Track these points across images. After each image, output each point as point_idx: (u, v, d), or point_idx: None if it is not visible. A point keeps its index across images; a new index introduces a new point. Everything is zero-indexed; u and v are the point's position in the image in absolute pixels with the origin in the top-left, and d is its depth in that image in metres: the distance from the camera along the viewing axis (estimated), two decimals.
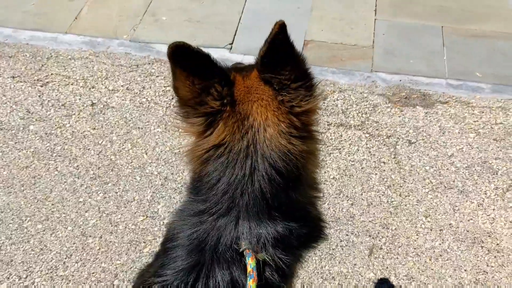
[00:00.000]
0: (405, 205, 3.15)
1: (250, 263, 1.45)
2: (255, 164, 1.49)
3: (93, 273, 2.84)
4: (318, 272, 2.85)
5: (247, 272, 1.45)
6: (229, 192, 1.51)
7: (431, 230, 3.03)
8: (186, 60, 1.43)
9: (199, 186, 1.57)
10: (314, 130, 1.60)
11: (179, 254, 1.53)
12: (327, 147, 3.51)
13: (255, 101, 1.52)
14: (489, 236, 3.00)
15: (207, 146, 1.54)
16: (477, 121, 3.68)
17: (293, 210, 1.52)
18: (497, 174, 3.33)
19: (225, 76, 1.52)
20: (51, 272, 2.83)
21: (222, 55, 4.18)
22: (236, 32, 4.41)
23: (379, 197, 3.21)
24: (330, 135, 3.59)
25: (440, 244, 2.97)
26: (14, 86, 3.89)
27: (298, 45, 4.34)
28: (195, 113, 1.51)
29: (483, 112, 3.74)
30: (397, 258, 2.91)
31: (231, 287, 1.47)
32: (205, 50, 4.57)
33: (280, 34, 1.40)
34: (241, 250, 1.47)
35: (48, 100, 3.79)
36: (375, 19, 4.56)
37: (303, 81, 1.52)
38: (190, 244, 1.54)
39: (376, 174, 3.33)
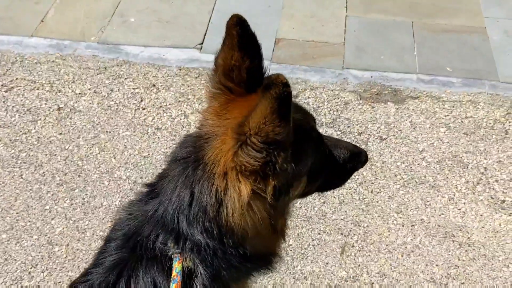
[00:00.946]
0: (377, 202, 3.14)
1: (176, 267, 1.41)
2: (193, 161, 1.43)
3: (59, 282, 2.77)
4: (290, 272, 2.82)
5: (172, 276, 1.40)
6: (166, 174, 1.50)
7: (402, 226, 3.02)
8: (239, 35, 1.45)
9: None
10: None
11: (109, 249, 1.51)
12: None
13: (241, 115, 1.40)
14: (460, 230, 3.00)
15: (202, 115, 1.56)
16: (448, 115, 3.68)
17: (226, 234, 1.43)
18: (467, 167, 3.33)
19: (259, 74, 1.51)
20: (16, 282, 2.75)
21: (192, 55, 4.13)
22: (206, 32, 4.35)
23: (351, 194, 3.19)
24: None
25: (411, 239, 2.96)
26: None
27: (269, 44, 4.32)
28: (218, 85, 1.51)
29: (453, 107, 3.75)
30: (369, 255, 2.89)
31: None
32: (174, 50, 4.44)
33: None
34: (170, 253, 1.42)
35: (13, 106, 3.69)
36: (346, 16, 4.55)
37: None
38: (120, 237, 1.51)
39: None
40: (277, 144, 1.28)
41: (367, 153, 1.80)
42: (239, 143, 1.30)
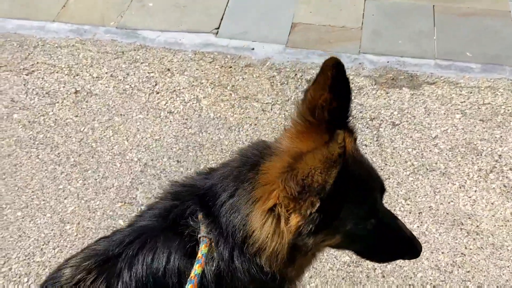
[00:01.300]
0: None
1: (202, 249, 1.47)
2: (252, 164, 1.53)
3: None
4: None
5: (197, 256, 1.47)
6: (227, 163, 1.64)
7: (410, 212, 2.99)
8: (333, 77, 1.50)
9: None
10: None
11: (145, 215, 1.62)
12: None
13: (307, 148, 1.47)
14: (469, 218, 2.95)
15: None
16: (464, 101, 3.59)
17: (247, 237, 1.49)
18: (481, 155, 3.25)
19: (344, 116, 1.57)
20: (28, 258, 2.86)
21: (207, 40, 4.16)
22: (222, 17, 4.36)
23: None
24: None
25: (418, 226, 2.92)
26: (0, 75, 3.91)
27: (285, 29, 4.30)
28: (301, 116, 1.58)
29: (471, 93, 3.65)
30: None
31: (164, 264, 1.50)
32: (190, 35, 4.48)
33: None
34: (198, 236, 1.50)
35: (33, 89, 3.81)
36: (364, 0, 4.47)
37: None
38: (161, 207, 1.60)
39: None
40: (311, 189, 1.34)
41: (420, 242, 1.77)
42: (288, 168, 1.38)
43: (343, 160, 1.28)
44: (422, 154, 3.28)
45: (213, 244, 1.49)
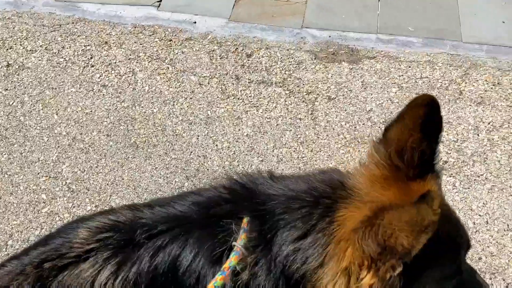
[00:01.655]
0: (315, 161, 3.09)
1: (232, 260, 1.30)
2: (325, 208, 1.35)
3: None
4: None
5: (222, 266, 1.31)
6: (290, 187, 1.44)
7: None
8: (425, 117, 1.34)
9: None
10: None
11: (187, 198, 1.44)
12: (245, 105, 3.42)
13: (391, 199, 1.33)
14: None
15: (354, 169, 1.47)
16: (402, 75, 3.58)
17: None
18: None
19: (430, 159, 1.39)
20: None
21: (148, 13, 4.06)
22: None
23: (290, 153, 3.14)
24: (250, 93, 3.49)
25: None
26: None
27: (229, 1, 4.22)
28: (387, 159, 1.39)
29: (409, 67, 3.64)
30: None
31: (188, 264, 1.35)
32: (131, 8, 4.35)
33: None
34: (232, 243, 1.33)
35: None
36: None
37: None
38: (208, 198, 1.43)
39: (290, 130, 3.26)
40: (393, 252, 1.18)
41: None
42: (367, 223, 1.22)
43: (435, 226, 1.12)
44: (355, 127, 3.26)
45: (248, 264, 1.33)
